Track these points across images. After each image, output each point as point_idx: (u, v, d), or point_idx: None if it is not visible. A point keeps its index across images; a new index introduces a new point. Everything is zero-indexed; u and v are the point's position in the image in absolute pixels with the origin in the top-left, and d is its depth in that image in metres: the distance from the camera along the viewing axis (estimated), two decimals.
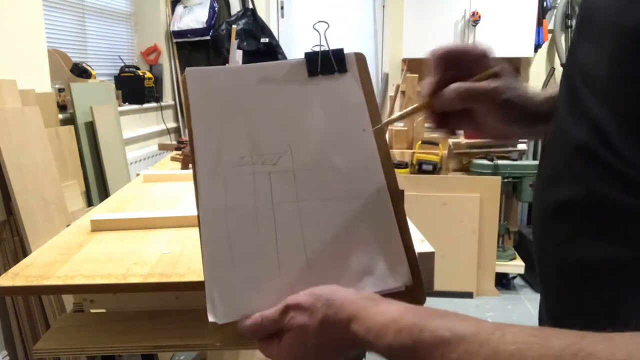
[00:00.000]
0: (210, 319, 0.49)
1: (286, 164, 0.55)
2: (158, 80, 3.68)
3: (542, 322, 0.56)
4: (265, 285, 0.50)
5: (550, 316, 0.53)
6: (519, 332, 0.33)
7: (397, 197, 0.55)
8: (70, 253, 0.91)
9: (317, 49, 0.59)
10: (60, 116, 2.37)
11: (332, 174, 0.55)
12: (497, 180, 2.79)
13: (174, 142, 3.05)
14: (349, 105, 0.58)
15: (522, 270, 2.93)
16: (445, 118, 0.56)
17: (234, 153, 0.55)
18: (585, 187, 0.45)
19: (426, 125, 3.05)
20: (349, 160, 0.56)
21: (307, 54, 0.60)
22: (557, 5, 3.82)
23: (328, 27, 0.57)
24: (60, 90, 2.42)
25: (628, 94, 0.41)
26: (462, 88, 0.52)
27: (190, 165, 0.57)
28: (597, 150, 0.43)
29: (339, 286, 0.47)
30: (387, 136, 3.30)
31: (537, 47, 3.79)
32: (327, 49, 0.59)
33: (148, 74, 3.38)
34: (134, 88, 3.27)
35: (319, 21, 0.57)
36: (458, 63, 0.54)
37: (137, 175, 1.63)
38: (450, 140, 3.04)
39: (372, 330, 0.40)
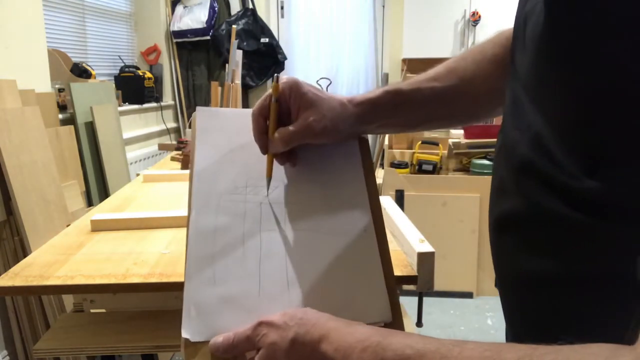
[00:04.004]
0: (184, 335, 0.49)
1: (278, 196, 0.58)
2: (158, 80, 3.68)
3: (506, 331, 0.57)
4: (243, 308, 0.50)
5: (509, 324, 0.54)
6: (476, 348, 0.35)
7: (382, 235, 0.57)
8: (70, 253, 0.91)
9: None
10: (60, 116, 2.37)
11: (321, 209, 0.58)
12: None
13: (174, 142, 3.04)
14: (343, 148, 0.62)
15: None
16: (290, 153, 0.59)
17: (229, 183, 0.58)
18: (529, 201, 0.46)
19: None
20: (339, 197, 0.59)
21: None
22: None
23: (330, 83, 0.61)
24: (60, 90, 2.42)
25: (555, 101, 0.43)
26: (283, 134, 0.55)
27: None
28: (540, 165, 0.44)
29: (314, 310, 0.47)
30: (386, 137, 3.31)
31: None
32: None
33: (148, 74, 3.38)
34: (134, 88, 3.27)
35: (322, 78, 0.61)
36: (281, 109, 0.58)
37: (137, 175, 1.63)
38: (450, 140, 3.04)
39: (339, 350, 0.41)
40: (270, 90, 0.57)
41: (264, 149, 0.57)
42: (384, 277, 0.54)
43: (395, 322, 0.52)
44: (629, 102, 0.37)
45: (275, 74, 0.57)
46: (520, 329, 0.51)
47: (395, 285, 0.55)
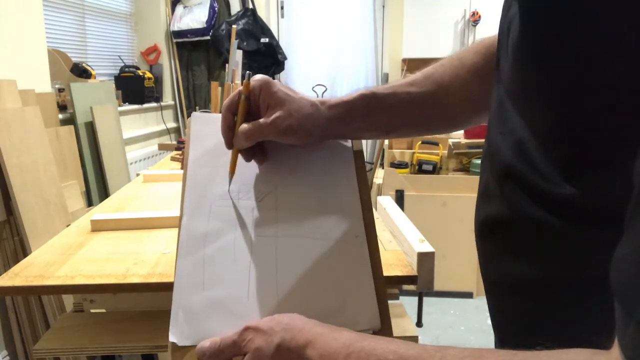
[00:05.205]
0: (171, 338, 0.49)
1: (270, 202, 0.58)
2: (158, 80, 3.68)
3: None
4: (231, 313, 0.50)
5: (495, 328, 0.54)
6: (458, 354, 0.36)
7: (374, 242, 0.57)
8: (70, 253, 0.91)
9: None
10: (60, 116, 2.37)
11: (313, 215, 0.58)
12: None
13: (174, 142, 3.05)
14: (337, 155, 0.62)
15: None
16: (256, 147, 0.59)
17: (222, 187, 0.58)
18: (511, 206, 0.46)
19: None
20: (331, 203, 0.59)
21: None
22: None
23: (325, 90, 0.61)
24: (60, 90, 2.42)
25: (534, 107, 0.43)
26: (246, 129, 0.56)
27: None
28: (521, 170, 0.44)
29: (301, 315, 0.47)
30: None
31: None
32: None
33: (148, 74, 3.38)
34: (134, 88, 3.27)
35: (317, 84, 0.61)
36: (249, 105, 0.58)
37: (137, 175, 1.63)
38: (450, 140, 3.04)
39: (324, 356, 0.41)
40: (241, 87, 0.57)
41: (229, 144, 0.58)
42: (374, 284, 0.54)
43: (384, 329, 0.52)
44: (604, 107, 0.37)
45: (248, 72, 0.58)
46: (505, 333, 0.52)
47: (385, 292, 0.54)
